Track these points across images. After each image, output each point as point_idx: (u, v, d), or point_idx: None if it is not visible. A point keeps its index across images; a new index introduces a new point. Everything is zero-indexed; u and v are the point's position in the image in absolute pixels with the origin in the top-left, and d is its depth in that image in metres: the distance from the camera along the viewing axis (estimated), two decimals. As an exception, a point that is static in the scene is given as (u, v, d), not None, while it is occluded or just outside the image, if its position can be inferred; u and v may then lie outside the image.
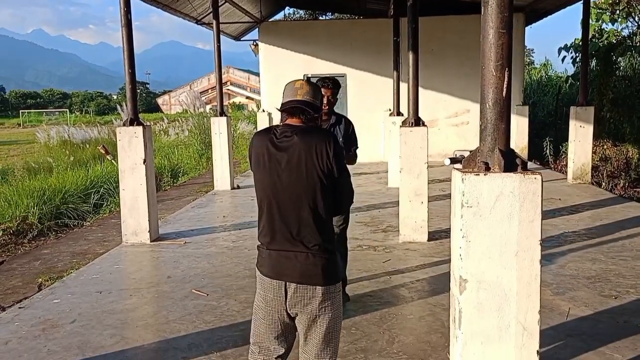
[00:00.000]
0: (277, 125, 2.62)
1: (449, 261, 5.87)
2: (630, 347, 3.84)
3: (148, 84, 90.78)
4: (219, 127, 10.79)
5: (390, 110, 12.53)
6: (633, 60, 16.11)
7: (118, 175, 11.55)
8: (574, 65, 17.53)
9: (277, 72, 14.83)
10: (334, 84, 4.69)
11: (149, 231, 7.00)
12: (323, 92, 4.87)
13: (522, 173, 2.43)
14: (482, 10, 2.47)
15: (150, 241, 7.00)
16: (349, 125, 4.89)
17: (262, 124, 14.92)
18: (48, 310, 4.84)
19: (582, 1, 10.97)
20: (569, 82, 17.78)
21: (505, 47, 2.44)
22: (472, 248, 2.45)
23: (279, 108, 2.66)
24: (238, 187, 11.19)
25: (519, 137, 14.35)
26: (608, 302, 4.70)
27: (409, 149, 6.69)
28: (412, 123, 6.75)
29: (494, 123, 2.48)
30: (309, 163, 2.47)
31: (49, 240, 8.15)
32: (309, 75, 14.76)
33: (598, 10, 15.60)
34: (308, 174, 2.48)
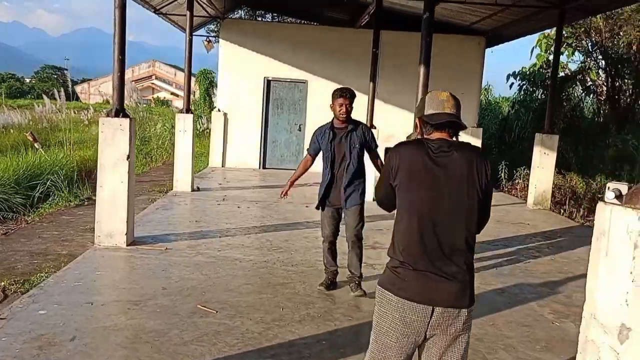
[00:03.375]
0: (428, 139, 2.51)
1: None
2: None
3: (67, 69, 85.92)
4: (184, 125, 10.14)
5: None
6: (577, 94, 16.91)
7: (55, 166, 10.64)
8: (519, 92, 18.15)
9: (237, 71, 14.29)
10: (351, 95, 5.08)
11: (125, 234, 6.35)
12: (342, 102, 4.94)
13: (701, 214, 2.22)
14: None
15: (126, 245, 6.36)
16: (366, 131, 5.25)
17: (217, 122, 14.27)
18: (37, 323, 4.19)
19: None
20: (515, 107, 18.36)
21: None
22: (641, 294, 2.21)
23: (425, 119, 2.54)
24: (198, 189, 10.56)
25: (472, 158, 14.53)
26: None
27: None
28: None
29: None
30: (470, 181, 2.42)
31: (-2, 237, 7.27)
32: (270, 78, 14.33)
33: (549, 43, 16.14)
34: (469, 192, 2.42)
